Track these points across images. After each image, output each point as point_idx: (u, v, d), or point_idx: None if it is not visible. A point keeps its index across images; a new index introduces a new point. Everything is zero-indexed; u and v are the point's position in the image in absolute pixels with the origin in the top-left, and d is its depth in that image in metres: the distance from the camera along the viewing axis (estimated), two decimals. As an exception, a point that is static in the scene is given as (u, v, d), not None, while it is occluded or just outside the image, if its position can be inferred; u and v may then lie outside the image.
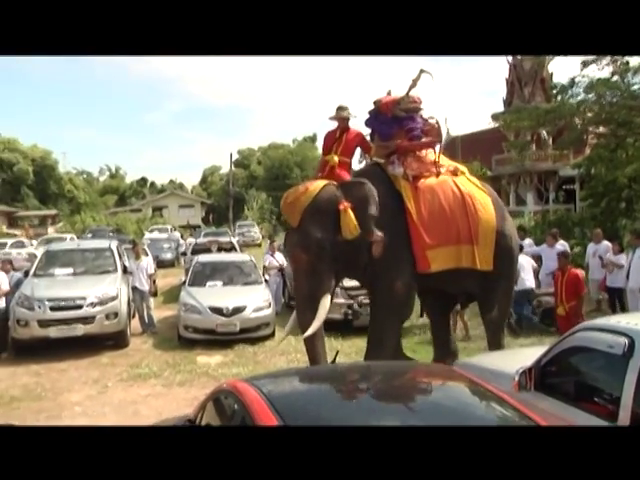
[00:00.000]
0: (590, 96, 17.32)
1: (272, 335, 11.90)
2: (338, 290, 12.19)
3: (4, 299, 11.31)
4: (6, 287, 11.38)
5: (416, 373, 4.35)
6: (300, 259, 7.91)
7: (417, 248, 7.75)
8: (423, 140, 8.23)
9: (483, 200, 8.13)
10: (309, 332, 7.53)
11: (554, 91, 20.73)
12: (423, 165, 8.12)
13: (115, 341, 11.65)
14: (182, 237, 35.15)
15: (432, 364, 6.73)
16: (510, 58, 32.87)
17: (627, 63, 16.20)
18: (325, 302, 7.52)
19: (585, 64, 16.60)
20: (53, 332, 10.81)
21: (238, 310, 11.50)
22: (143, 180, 79.24)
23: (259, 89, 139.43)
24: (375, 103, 8.28)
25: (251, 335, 11.56)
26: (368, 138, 8.43)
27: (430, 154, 8.26)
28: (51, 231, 42.39)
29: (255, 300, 11.88)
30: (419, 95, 8.22)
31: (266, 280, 13.67)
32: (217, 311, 11.41)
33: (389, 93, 8.32)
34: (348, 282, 12.23)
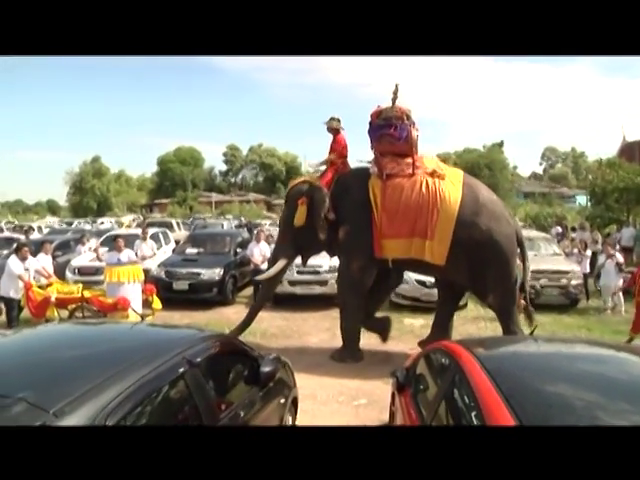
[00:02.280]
0: None
1: (465, 306, 11.56)
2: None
3: (266, 263, 12.12)
4: (269, 255, 12.24)
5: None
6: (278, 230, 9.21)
7: (375, 237, 7.79)
8: (396, 144, 7.87)
9: (450, 199, 7.58)
10: (262, 277, 8.93)
11: None
12: (399, 166, 7.89)
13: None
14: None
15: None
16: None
17: None
18: (280, 264, 8.43)
19: None
20: (298, 290, 11.47)
21: (438, 283, 11.30)
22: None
23: (456, 103, 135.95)
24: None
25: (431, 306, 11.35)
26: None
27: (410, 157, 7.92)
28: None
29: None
30: (404, 106, 7.92)
31: None
32: (422, 283, 11.30)
33: (378, 106, 8.07)
34: (533, 266, 11.82)
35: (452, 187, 7.70)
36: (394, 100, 7.91)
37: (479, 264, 7.62)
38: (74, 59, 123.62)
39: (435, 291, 11.07)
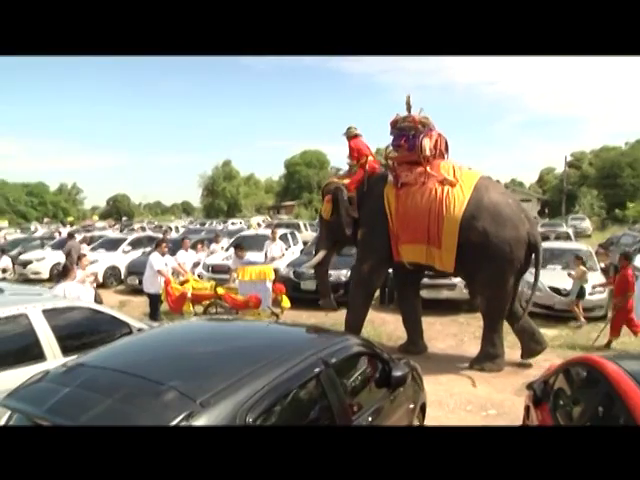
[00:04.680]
0: None
1: (604, 317, 10.72)
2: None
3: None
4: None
5: None
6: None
7: (393, 242, 8.13)
8: (407, 154, 8.06)
9: (455, 206, 7.63)
10: (306, 265, 10.11)
11: None
12: (412, 175, 8.03)
13: (469, 305, 11.54)
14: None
15: None
16: None
17: None
18: (319, 255, 9.04)
19: None
20: (425, 293, 11.11)
21: (575, 292, 10.57)
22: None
23: (592, 99, 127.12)
24: None
25: (586, 315, 10.56)
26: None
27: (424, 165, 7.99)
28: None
29: (591, 284, 10.81)
30: (420, 116, 8.06)
31: None
32: (556, 291, 10.69)
33: (397, 115, 8.26)
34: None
35: (460, 193, 7.75)
36: (408, 109, 8.17)
37: (472, 265, 7.70)
38: (206, 69, 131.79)
39: (567, 300, 10.47)
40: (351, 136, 8.98)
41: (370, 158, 8.97)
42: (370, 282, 8.61)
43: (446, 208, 7.65)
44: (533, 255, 7.92)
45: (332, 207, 8.74)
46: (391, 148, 8.42)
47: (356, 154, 8.93)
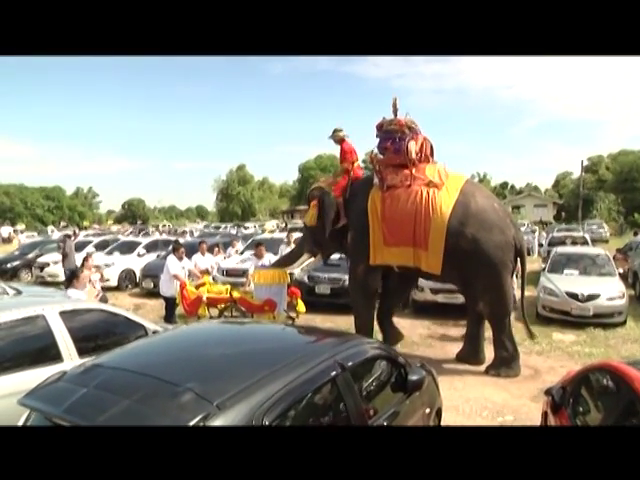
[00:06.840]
0: None
1: (624, 323, 10.56)
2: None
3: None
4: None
5: None
6: None
7: (371, 245, 8.09)
8: (393, 156, 8.06)
9: (441, 209, 7.60)
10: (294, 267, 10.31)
11: None
12: (397, 177, 8.01)
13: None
14: (533, 232, 33.47)
15: None
16: None
17: None
18: (301, 256, 9.53)
19: None
20: (440, 298, 11.12)
21: (592, 297, 10.42)
22: (505, 184, 77.55)
23: (609, 102, 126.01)
24: None
25: (603, 321, 10.41)
26: None
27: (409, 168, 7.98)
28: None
29: (609, 290, 10.67)
30: (407, 119, 8.08)
31: None
32: (573, 296, 10.53)
33: (383, 118, 8.26)
34: None
35: (446, 196, 7.73)
36: (395, 113, 8.18)
37: (467, 273, 7.71)
38: (221, 73, 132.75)
39: (587, 305, 10.33)
40: (341, 139, 8.95)
41: (356, 164, 9.01)
42: (366, 284, 8.54)
43: (432, 210, 7.63)
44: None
45: (317, 212, 8.75)
46: (376, 151, 8.42)
47: (349, 157, 8.92)
